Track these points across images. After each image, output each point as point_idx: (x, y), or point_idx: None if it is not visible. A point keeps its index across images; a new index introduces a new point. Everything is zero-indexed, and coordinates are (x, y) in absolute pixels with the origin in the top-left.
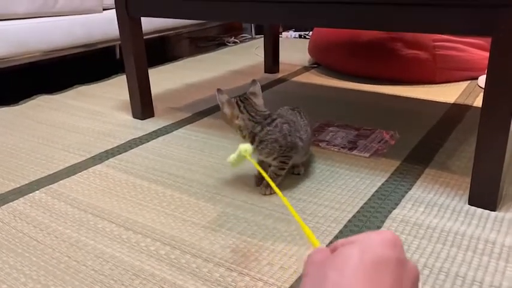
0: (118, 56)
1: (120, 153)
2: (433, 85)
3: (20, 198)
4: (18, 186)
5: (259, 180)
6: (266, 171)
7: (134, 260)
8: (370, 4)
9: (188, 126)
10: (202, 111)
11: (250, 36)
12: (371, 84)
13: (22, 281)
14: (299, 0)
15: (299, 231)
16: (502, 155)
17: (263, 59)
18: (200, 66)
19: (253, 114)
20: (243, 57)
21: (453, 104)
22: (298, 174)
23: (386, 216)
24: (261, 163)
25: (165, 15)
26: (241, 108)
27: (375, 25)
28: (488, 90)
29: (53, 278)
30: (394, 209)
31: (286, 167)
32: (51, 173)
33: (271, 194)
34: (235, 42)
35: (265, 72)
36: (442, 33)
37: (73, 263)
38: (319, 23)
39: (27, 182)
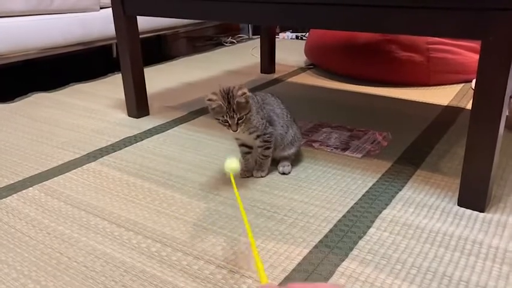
0: (115, 54)
1: (115, 151)
2: (426, 87)
3: (13, 195)
4: (12, 182)
5: (245, 172)
6: (248, 171)
7: (125, 257)
8: (365, 6)
9: (183, 125)
10: (197, 110)
11: (247, 37)
12: (365, 85)
13: (13, 276)
14: (296, 1)
15: (289, 230)
16: (491, 157)
17: (259, 60)
18: (196, 66)
19: None
20: (240, 57)
21: (446, 106)
22: (284, 173)
23: (376, 216)
24: (244, 156)
25: (161, 15)
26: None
27: (369, 27)
28: (478, 92)
29: (45, 273)
30: (384, 209)
31: (269, 146)
32: (45, 170)
33: (266, 175)
34: (232, 43)
35: (261, 72)
36: (434, 36)
37: (65, 259)
38: (315, 25)
39: (20, 179)
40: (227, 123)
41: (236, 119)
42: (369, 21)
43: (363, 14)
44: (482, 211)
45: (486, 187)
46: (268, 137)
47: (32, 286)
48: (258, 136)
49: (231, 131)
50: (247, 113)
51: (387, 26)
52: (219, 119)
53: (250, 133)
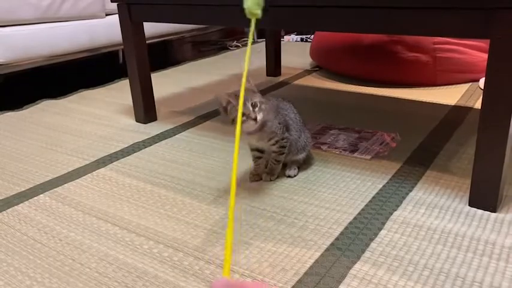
0: (121, 60)
1: (124, 157)
2: (433, 87)
3: (25, 202)
4: (23, 190)
5: (254, 176)
6: (257, 175)
7: (137, 262)
8: (370, 8)
9: (191, 129)
10: (205, 115)
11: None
12: (372, 87)
13: (27, 283)
14: (301, 4)
15: (300, 233)
16: (501, 157)
17: (265, 63)
18: (202, 70)
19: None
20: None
21: (454, 106)
22: (289, 176)
23: (387, 218)
24: (256, 160)
25: (166, 20)
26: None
27: (375, 28)
28: (487, 91)
29: (58, 280)
30: (395, 210)
31: (284, 151)
32: (55, 176)
33: (275, 179)
34: (237, 46)
35: (267, 75)
36: (441, 36)
37: (77, 266)
38: (321, 27)
39: (31, 186)
40: (243, 116)
41: (250, 104)
42: (375, 23)
43: (368, 15)
44: (494, 211)
45: (497, 187)
46: (285, 142)
47: None
48: (276, 142)
49: (251, 125)
50: (260, 100)
51: (394, 27)
52: (234, 118)
53: (269, 139)
